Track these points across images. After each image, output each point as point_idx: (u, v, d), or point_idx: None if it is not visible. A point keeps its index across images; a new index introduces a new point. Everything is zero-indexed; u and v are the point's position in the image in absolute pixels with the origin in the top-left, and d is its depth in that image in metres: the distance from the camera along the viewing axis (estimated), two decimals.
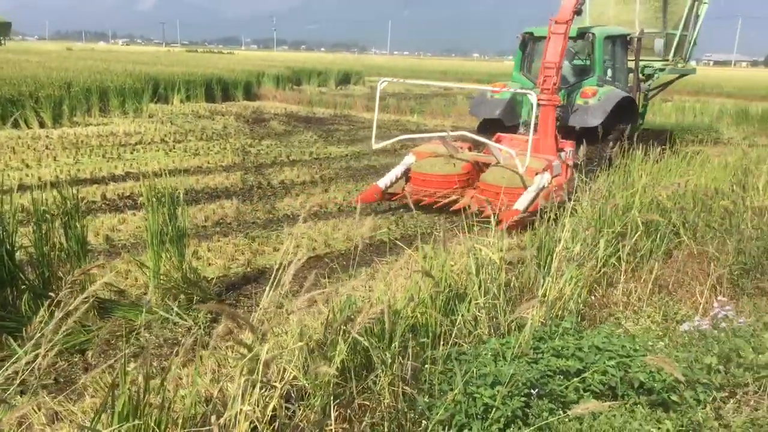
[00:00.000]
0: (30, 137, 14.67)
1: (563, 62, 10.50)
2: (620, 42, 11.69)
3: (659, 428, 3.16)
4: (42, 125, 16.53)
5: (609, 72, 11.32)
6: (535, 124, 10.48)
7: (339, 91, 33.54)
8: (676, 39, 13.81)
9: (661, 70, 13.76)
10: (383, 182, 9.43)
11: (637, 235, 5.77)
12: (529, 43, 11.51)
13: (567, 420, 3.06)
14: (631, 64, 12.31)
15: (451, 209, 8.72)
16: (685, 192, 6.84)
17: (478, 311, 4.31)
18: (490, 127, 11.08)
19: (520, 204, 7.98)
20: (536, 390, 3.18)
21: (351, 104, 24.94)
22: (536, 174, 8.53)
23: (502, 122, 11.02)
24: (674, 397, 3.43)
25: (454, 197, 9.05)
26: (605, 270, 5.50)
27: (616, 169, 7.57)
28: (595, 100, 10.34)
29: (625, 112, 10.96)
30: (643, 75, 13.25)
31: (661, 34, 13.68)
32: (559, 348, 3.59)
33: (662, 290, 5.65)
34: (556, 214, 5.68)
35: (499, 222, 4.96)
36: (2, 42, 63.08)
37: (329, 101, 25.52)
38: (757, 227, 6.04)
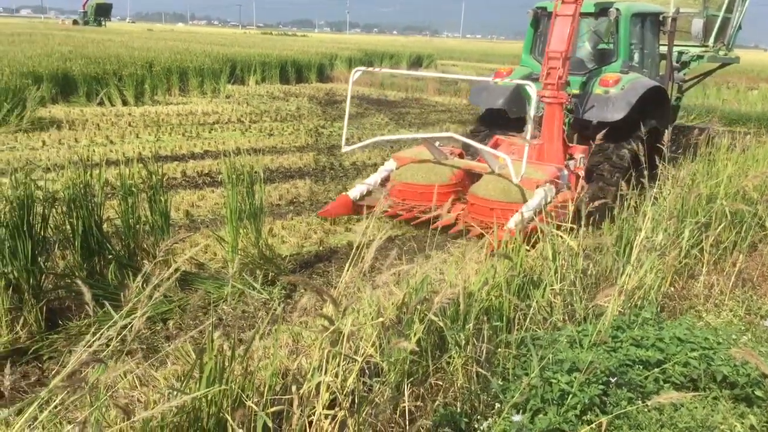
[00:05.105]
0: (113, 114, 15.25)
1: (582, 43, 9.34)
2: (651, 21, 9.63)
3: (743, 423, 3.07)
4: (125, 103, 17.14)
5: (636, 57, 9.38)
6: (521, 124, 8.83)
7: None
8: (718, 22, 11.75)
9: (700, 57, 11.61)
10: (354, 192, 7.90)
11: (721, 227, 5.57)
12: (542, 20, 9.36)
13: (646, 410, 3.01)
14: (664, 49, 10.21)
15: (432, 227, 7.71)
16: None
17: (554, 297, 4.26)
18: (494, 118, 9.42)
19: (515, 223, 6.48)
20: (615, 378, 3.13)
21: (422, 87, 24.85)
22: (538, 186, 7.09)
23: (506, 114, 9.21)
24: (759, 393, 3.32)
25: (437, 212, 7.67)
26: (686, 261, 5.34)
27: (700, 158, 7.31)
28: (618, 90, 8.35)
29: (655, 105, 9.01)
30: (678, 62, 11.27)
31: (700, 14, 11.48)
32: (639, 338, 3.53)
33: (746, 284, 5.47)
34: (636, 203, 5.55)
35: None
36: (103, 23, 64.66)
37: (401, 84, 25.50)
38: None
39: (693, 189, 5.77)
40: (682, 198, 5.65)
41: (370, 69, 9.67)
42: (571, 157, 8.16)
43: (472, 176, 7.88)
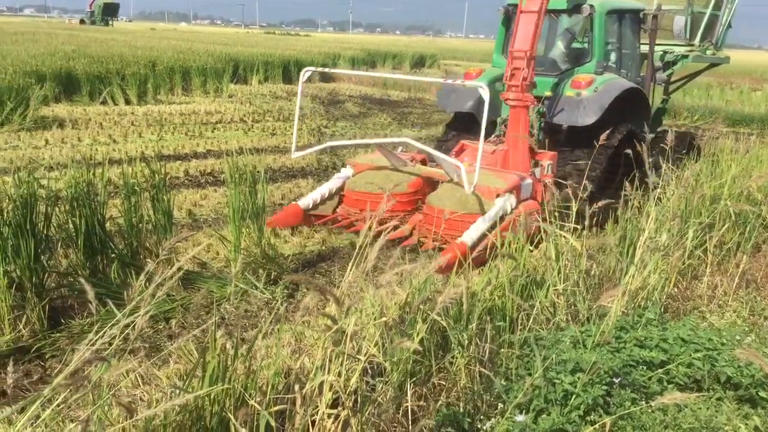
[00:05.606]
0: (116, 113, 15.26)
1: (555, 42, 8.94)
2: (630, 19, 9.02)
3: (746, 424, 3.07)
4: (128, 102, 17.15)
5: (613, 56, 8.77)
6: (492, 128, 8.10)
7: (414, 74, 33.44)
8: (705, 20, 10.95)
9: (685, 57, 10.81)
10: (306, 201, 7.30)
11: (725, 227, 5.57)
12: (514, 18, 8.24)
13: (650, 410, 3.00)
14: (645, 48, 9.58)
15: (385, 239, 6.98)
16: None
17: (557, 298, 4.26)
18: (464, 123, 8.73)
19: (469, 236, 6.09)
20: (618, 379, 3.13)
21: (425, 87, 24.80)
22: (497, 196, 6.62)
23: (476, 118, 8.26)
24: (763, 394, 3.32)
25: (393, 223, 6.55)
26: (690, 262, 5.34)
27: (704, 159, 7.30)
28: (590, 92, 7.78)
29: (633, 108, 8.52)
30: (662, 62, 10.53)
31: (683, 11, 10.84)
32: (643, 338, 3.52)
33: (749, 285, 5.47)
34: (639, 203, 5.54)
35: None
36: (111, 23, 64.20)
37: (403, 84, 25.47)
38: None
39: (697, 189, 5.76)
40: (685, 198, 5.64)
41: (320, 69, 9.25)
42: (538, 164, 7.62)
43: (433, 184, 7.31)
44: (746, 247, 5.75)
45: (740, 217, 5.84)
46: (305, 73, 7.31)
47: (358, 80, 26.70)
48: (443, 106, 9.26)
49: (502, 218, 6.35)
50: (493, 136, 8.11)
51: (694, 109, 19.34)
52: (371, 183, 7.32)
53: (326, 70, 8.23)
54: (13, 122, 12.41)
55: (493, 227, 5.99)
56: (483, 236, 6.07)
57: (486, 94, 6.25)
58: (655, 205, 5.13)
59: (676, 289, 5.17)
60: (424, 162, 7.87)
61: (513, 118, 7.42)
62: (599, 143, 5.59)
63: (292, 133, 13.20)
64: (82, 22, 65.44)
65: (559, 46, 8.97)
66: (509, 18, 8.64)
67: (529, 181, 7.07)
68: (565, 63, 8.75)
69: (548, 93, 8.08)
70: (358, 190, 7.36)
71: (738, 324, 4.73)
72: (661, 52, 10.40)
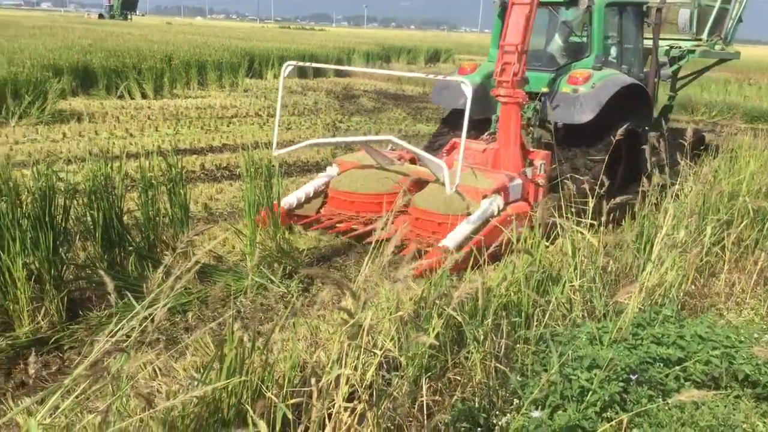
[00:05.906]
0: (133, 107, 15.35)
1: (553, 36, 8.66)
2: (632, 12, 8.65)
3: (765, 422, 3.05)
4: (144, 96, 17.24)
5: (613, 51, 8.41)
6: (486, 126, 8.02)
7: (428, 69, 33.35)
8: (714, 13, 10.63)
9: (691, 52, 10.41)
10: (289, 201, 6.89)
11: (743, 224, 5.52)
12: None
13: (667, 408, 2.99)
14: (649, 43, 9.23)
15: (365, 242, 6.51)
16: None
17: (573, 294, 4.24)
18: (458, 119, 7.73)
19: (451, 240, 5.77)
20: (635, 376, 3.11)
21: None
22: (484, 197, 6.32)
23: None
24: None
25: (373, 225, 6.47)
26: (708, 259, 5.30)
27: (722, 155, 7.23)
28: (588, 88, 7.42)
29: (633, 105, 8.15)
30: (668, 57, 10.23)
31: (689, 4, 10.53)
32: (660, 335, 3.51)
33: (767, 282, 5.40)
34: (657, 199, 5.51)
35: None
36: (129, 17, 64.06)
37: (418, 79, 25.38)
38: None
39: (715, 186, 5.72)
40: (703, 195, 5.60)
41: (301, 64, 9.34)
42: (531, 164, 7.23)
43: (422, 184, 6.85)
44: (765, 244, 5.69)
45: (759, 214, 5.79)
46: (286, 68, 6.94)
47: (373, 75, 26.67)
48: (437, 103, 8.98)
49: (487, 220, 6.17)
50: (486, 134, 7.90)
51: (712, 105, 19.18)
52: (357, 182, 7.05)
53: (308, 64, 8.19)
54: (31, 115, 12.51)
55: (477, 230, 5.92)
56: (465, 239, 5.83)
57: (468, 90, 5.87)
58: (673, 201, 5.10)
59: (693, 287, 5.13)
60: (413, 161, 7.56)
61: (504, 115, 7.12)
62: (615, 140, 5.55)
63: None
64: (101, 16, 65.42)
65: (557, 40, 8.65)
66: (506, 10, 7.94)
67: (518, 181, 6.77)
68: (563, 58, 8.42)
69: (545, 89, 7.81)
70: (342, 189, 7.09)
71: (756, 322, 4.70)
72: (667, 47, 10.11)
